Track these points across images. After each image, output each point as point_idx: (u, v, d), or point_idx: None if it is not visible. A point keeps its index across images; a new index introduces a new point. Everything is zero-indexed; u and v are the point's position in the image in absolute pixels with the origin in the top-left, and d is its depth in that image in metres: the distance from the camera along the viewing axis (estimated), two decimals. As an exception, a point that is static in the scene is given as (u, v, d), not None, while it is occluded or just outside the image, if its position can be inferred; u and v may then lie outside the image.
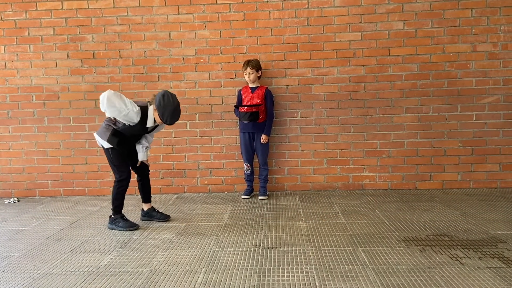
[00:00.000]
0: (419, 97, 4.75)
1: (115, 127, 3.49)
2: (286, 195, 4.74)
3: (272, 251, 2.97)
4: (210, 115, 4.90)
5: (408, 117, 4.78)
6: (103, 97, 3.32)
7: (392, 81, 4.76)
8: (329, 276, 2.52)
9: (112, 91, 3.36)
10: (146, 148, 3.72)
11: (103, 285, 2.51)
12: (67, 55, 4.92)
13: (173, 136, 4.93)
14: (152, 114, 3.49)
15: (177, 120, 3.49)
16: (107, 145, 3.50)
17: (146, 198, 3.86)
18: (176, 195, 4.91)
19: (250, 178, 4.73)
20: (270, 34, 4.78)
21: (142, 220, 3.85)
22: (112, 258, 2.93)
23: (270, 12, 4.76)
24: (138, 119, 3.43)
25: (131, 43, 4.87)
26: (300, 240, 3.20)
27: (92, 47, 4.89)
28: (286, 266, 2.69)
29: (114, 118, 3.47)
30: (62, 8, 4.85)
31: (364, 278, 2.48)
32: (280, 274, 2.57)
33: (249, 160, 4.68)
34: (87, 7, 4.84)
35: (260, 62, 4.61)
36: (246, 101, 4.55)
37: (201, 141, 4.93)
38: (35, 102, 4.97)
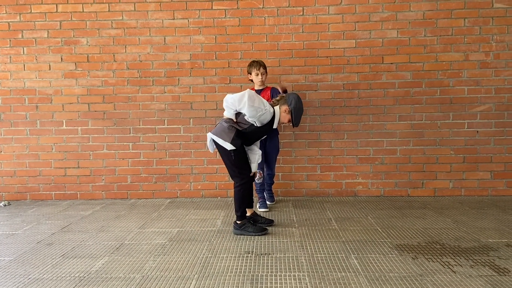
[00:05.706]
0: (412, 104, 4.79)
1: (239, 128, 3.43)
2: (279, 201, 4.74)
3: (265, 258, 2.96)
4: (204, 120, 4.89)
5: (401, 125, 4.82)
6: (242, 95, 3.31)
7: (386, 88, 4.80)
8: (322, 283, 2.52)
9: (252, 91, 3.40)
10: (260, 156, 3.65)
11: (95, 291, 2.49)
12: (61, 58, 4.89)
13: (166, 140, 4.92)
14: (279, 115, 3.51)
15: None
16: (230, 146, 3.38)
17: (250, 204, 3.73)
18: (169, 200, 4.89)
19: (262, 188, 4.43)
20: (265, 40, 4.80)
21: None
22: (103, 264, 2.91)
23: (265, 19, 4.78)
24: (270, 119, 3.45)
25: (125, 47, 4.86)
26: (293, 246, 3.19)
27: (86, 50, 4.87)
28: (278, 273, 2.69)
29: (237, 119, 3.45)
30: (56, 11, 4.84)
31: (356, 286, 2.48)
32: (273, 281, 2.56)
33: (261, 167, 4.36)
34: (81, 11, 4.83)
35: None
36: None
37: (194, 146, 4.92)
38: (28, 105, 4.93)
